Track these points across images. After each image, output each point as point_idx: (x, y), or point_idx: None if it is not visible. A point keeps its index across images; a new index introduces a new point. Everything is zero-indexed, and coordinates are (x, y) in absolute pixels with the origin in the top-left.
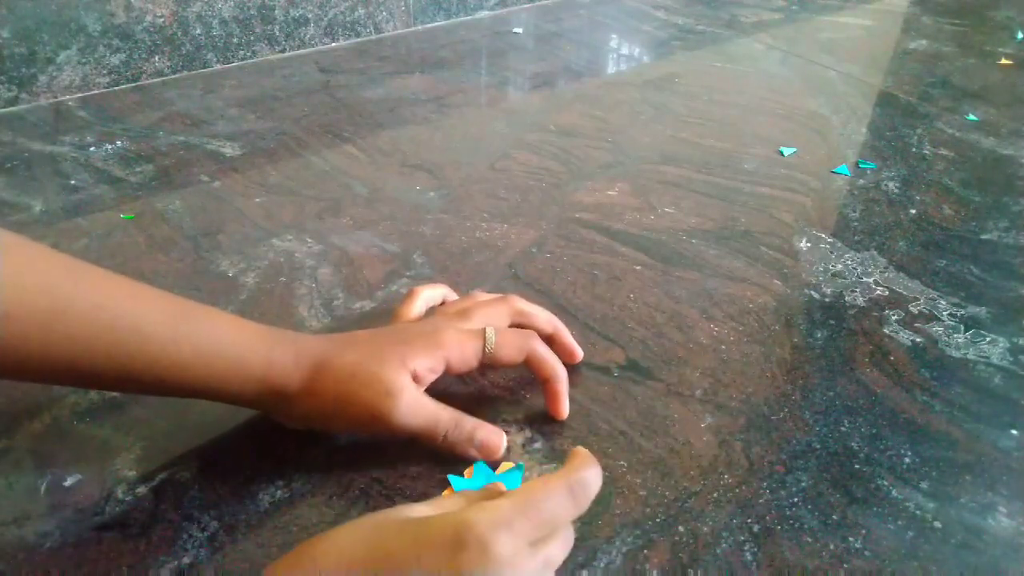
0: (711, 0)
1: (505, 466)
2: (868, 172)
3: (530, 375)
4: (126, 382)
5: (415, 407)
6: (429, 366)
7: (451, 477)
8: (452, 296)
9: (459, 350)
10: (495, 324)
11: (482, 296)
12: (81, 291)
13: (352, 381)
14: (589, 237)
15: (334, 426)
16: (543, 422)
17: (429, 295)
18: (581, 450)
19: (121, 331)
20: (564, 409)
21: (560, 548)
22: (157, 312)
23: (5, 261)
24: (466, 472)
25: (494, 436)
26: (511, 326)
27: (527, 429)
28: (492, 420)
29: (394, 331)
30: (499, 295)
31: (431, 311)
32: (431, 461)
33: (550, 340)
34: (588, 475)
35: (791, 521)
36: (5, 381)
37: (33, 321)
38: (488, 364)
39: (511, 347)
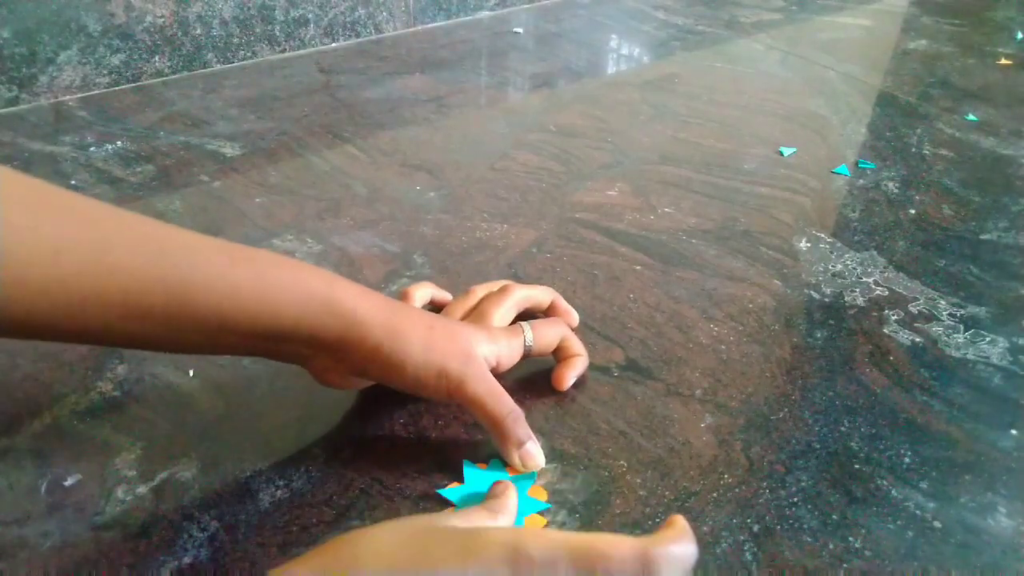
0: (711, 0)
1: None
2: (868, 172)
3: (530, 375)
4: (183, 320)
5: (486, 378)
6: (485, 355)
7: (466, 463)
8: (439, 293)
9: (508, 345)
10: (508, 317)
11: (482, 291)
12: (127, 224)
13: (433, 332)
14: (589, 237)
15: (398, 373)
16: (543, 422)
17: (421, 295)
18: (679, 521)
19: (174, 259)
20: (570, 382)
21: None
22: (208, 244)
23: (46, 201)
24: (481, 464)
25: (539, 455)
26: (521, 312)
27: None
28: None
29: (450, 318)
30: (498, 287)
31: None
32: (431, 461)
33: (551, 308)
34: (677, 551)
35: (791, 521)
36: (6, 380)
37: (83, 254)
38: (526, 356)
39: (547, 337)
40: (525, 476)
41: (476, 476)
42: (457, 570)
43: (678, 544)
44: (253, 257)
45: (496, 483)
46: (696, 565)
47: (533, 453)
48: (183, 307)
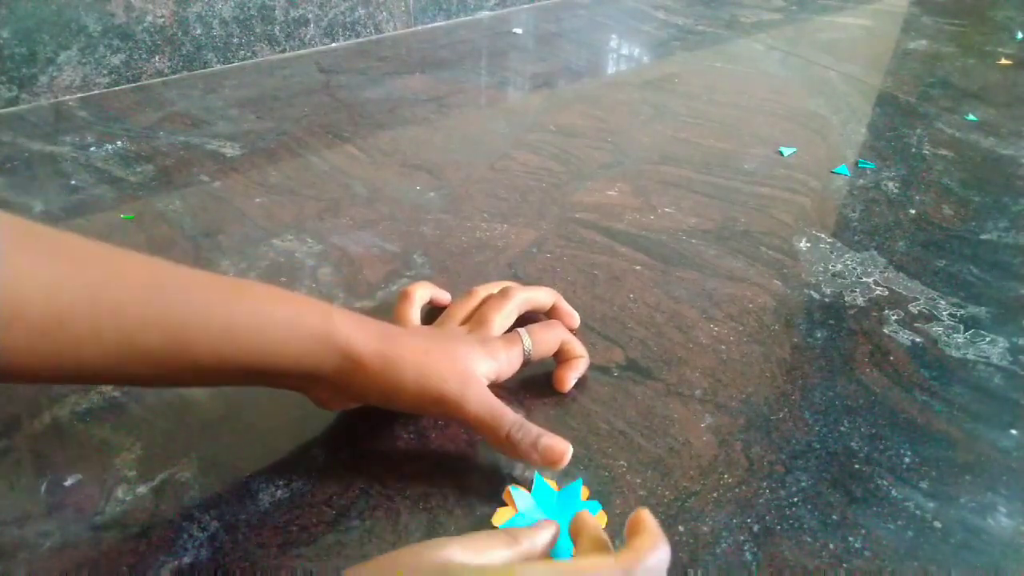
0: (711, 0)
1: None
2: (868, 172)
3: (530, 376)
4: (181, 358)
5: (485, 397)
6: (484, 372)
7: (512, 488)
8: (439, 293)
9: (507, 358)
10: (508, 322)
11: (482, 292)
12: (122, 263)
13: (428, 357)
14: (589, 237)
15: (396, 401)
16: (543, 422)
17: (421, 295)
18: (649, 523)
19: (170, 298)
20: (572, 383)
21: None
22: (204, 281)
23: (42, 242)
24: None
25: (559, 444)
26: (521, 315)
27: None
28: None
29: (449, 334)
30: (499, 288)
31: (422, 310)
32: (431, 461)
33: (553, 310)
34: (655, 560)
35: (791, 521)
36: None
37: (80, 294)
38: (526, 364)
39: (546, 343)
40: (573, 485)
41: (546, 495)
42: None
43: (655, 553)
44: (249, 293)
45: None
46: (695, 565)
47: (552, 444)
48: (180, 346)
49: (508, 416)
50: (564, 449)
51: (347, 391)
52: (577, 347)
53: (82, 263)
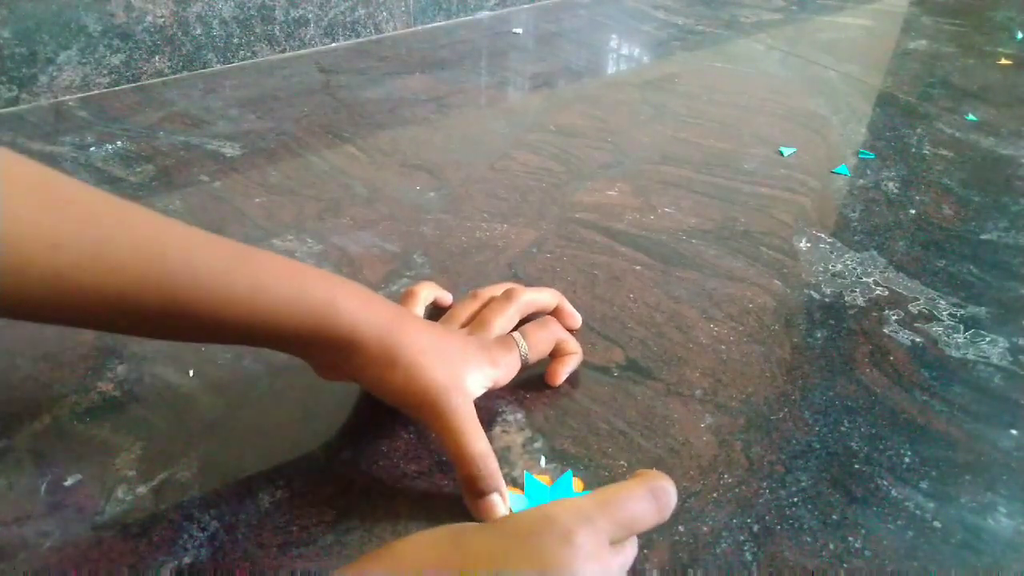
0: (711, 0)
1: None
2: (868, 172)
3: (530, 374)
4: (179, 319)
5: (465, 411)
6: (483, 383)
7: (527, 475)
8: (441, 293)
9: (504, 365)
10: (510, 325)
11: (485, 294)
12: (128, 221)
13: (423, 357)
14: (589, 237)
15: (382, 392)
16: (543, 422)
17: (425, 295)
18: (649, 471)
19: (171, 262)
20: (563, 377)
21: (633, 551)
22: (208, 246)
23: (50, 192)
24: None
25: (499, 508)
26: (523, 317)
27: (527, 429)
28: (492, 420)
29: (452, 336)
30: (502, 290)
31: (425, 310)
32: (431, 462)
33: (556, 312)
34: (667, 483)
35: (791, 521)
36: (6, 380)
37: (82, 251)
38: (524, 368)
39: (542, 344)
40: (564, 478)
41: (539, 491)
42: (498, 553)
43: (665, 479)
44: (253, 261)
45: None
46: (696, 565)
47: (496, 506)
48: (179, 308)
49: (480, 445)
50: (498, 514)
51: (343, 368)
52: (572, 344)
53: (86, 219)
